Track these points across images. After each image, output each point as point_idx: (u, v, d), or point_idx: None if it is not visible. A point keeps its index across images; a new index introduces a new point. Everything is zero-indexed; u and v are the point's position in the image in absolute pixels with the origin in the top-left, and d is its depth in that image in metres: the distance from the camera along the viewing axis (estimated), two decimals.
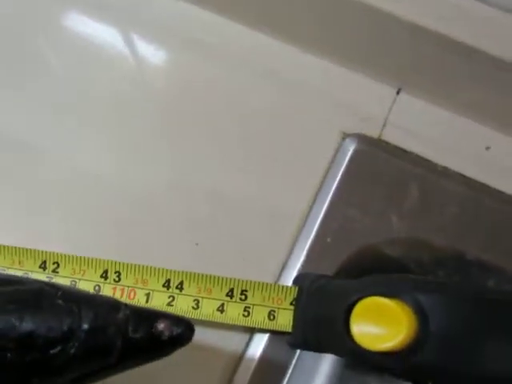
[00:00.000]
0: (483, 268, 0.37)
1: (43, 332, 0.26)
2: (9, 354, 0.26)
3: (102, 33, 0.42)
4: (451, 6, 0.36)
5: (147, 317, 0.28)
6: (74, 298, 0.28)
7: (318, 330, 0.32)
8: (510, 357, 0.28)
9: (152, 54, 0.42)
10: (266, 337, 0.36)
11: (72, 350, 0.26)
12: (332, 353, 0.33)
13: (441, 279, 0.36)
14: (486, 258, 0.37)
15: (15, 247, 0.35)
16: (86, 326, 0.27)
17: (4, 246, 0.35)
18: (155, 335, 0.28)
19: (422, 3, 0.36)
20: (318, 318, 0.32)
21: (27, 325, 0.26)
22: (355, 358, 0.29)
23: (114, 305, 0.28)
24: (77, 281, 0.35)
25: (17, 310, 0.27)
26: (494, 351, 0.28)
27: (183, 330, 0.28)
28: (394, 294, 0.28)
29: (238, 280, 0.35)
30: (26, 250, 0.35)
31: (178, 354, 0.28)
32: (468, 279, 0.37)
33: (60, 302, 0.27)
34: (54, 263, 0.35)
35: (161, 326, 0.28)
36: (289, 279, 0.36)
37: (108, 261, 0.35)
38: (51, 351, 0.26)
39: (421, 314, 0.27)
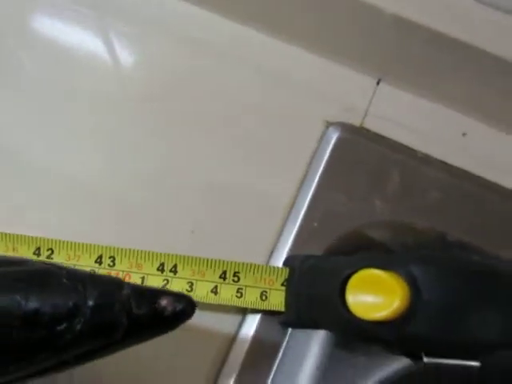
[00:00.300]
0: (464, 249, 0.38)
1: (49, 309, 0.27)
2: (15, 332, 0.26)
3: (87, 31, 0.43)
4: None
5: (149, 294, 0.29)
6: (78, 278, 0.28)
7: (311, 306, 0.33)
8: (494, 325, 0.29)
9: (135, 48, 0.43)
10: (258, 318, 0.37)
11: (78, 327, 0.27)
12: (326, 328, 0.34)
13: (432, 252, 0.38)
14: (467, 240, 0.38)
15: (9, 234, 0.35)
16: (91, 303, 0.27)
17: None
18: (158, 311, 0.28)
19: None
20: (312, 294, 0.33)
21: (33, 303, 0.27)
22: (350, 329, 0.30)
23: (117, 283, 0.29)
24: (71, 266, 0.35)
25: (22, 288, 0.27)
26: (481, 320, 0.29)
27: (185, 306, 0.29)
28: (387, 267, 0.29)
29: (231, 262, 0.36)
30: (21, 236, 0.35)
31: (172, 336, 0.29)
32: None
33: (65, 280, 0.28)
34: (48, 249, 0.36)
35: (163, 302, 0.29)
36: (278, 262, 0.37)
37: (102, 246, 0.36)
38: (57, 328, 0.27)
39: (413, 285, 0.29)
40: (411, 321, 0.28)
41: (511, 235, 0.39)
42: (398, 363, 0.39)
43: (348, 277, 0.30)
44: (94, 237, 0.36)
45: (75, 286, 0.28)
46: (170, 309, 0.29)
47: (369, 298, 0.29)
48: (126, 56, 0.42)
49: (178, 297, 0.29)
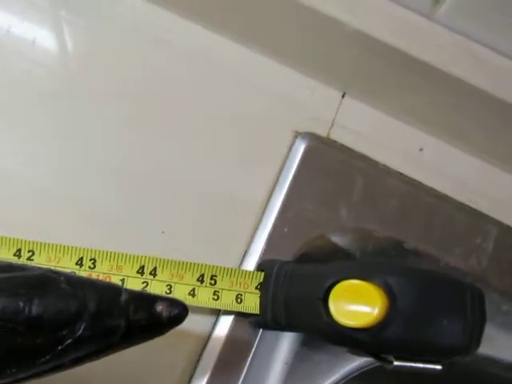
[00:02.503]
0: (419, 256, 0.42)
1: (52, 315, 0.27)
2: (19, 337, 0.27)
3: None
4: (392, 17, 0.40)
5: (146, 299, 0.30)
6: (77, 283, 0.29)
7: (288, 311, 0.35)
8: (456, 331, 0.33)
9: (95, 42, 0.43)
10: (231, 318, 0.39)
11: (79, 332, 0.28)
12: (303, 331, 0.36)
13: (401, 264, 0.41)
14: (422, 248, 0.42)
15: None
16: (92, 309, 0.28)
17: None
18: (155, 316, 0.30)
19: (365, 12, 0.40)
20: (290, 299, 0.35)
21: (36, 308, 0.27)
22: (330, 334, 0.33)
23: (115, 288, 0.30)
24: (51, 268, 0.36)
25: (25, 294, 0.27)
26: (445, 326, 0.32)
27: (179, 311, 0.30)
28: (366, 277, 0.32)
29: (208, 266, 0.37)
30: (0, 237, 0.35)
31: None
32: None
33: (65, 286, 0.29)
34: (29, 251, 0.36)
35: (159, 307, 0.30)
36: (251, 265, 0.39)
37: (83, 248, 0.36)
38: (59, 333, 0.28)
39: (390, 294, 0.31)
40: (387, 326, 0.31)
41: (460, 243, 0.43)
42: (358, 362, 0.42)
43: (331, 285, 0.32)
44: (65, 239, 0.36)
45: (75, 291, 0.28)
46: (165, 314, 0.30)
47: (350, 307, 0.31)
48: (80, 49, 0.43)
49: (173, 302, 0.30)
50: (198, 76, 0.43)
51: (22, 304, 0.27)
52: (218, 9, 0.43)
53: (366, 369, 0.42)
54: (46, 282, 0.29)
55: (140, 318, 0.29)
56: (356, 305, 0.31)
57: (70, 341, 0.28)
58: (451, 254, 0.42)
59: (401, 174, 0.43)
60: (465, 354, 0.33)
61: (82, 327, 0.28)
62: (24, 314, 0.27)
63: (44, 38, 0.42)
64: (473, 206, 0.44)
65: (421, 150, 0.44)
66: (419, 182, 0.43)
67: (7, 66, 0.41)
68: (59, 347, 0.28)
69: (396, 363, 0.33)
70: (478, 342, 0.33)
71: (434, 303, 0.32)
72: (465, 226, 0.43)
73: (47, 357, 0.28)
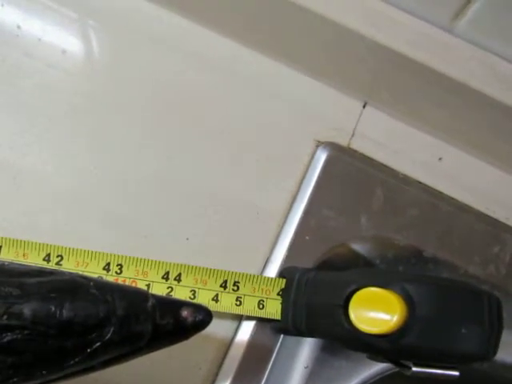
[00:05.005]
0: (438, 264, 0.42)
1: (82, 319, 0.28)
2: (50, 340, 0.28)
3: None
4: (412, 30, 0.41)
5: (172, 305, 0.31)
6: (106, 288, 0.30)
7: (310, 317, 0.36)
8: (473, 339, 0.33)
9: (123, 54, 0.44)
10: (253, 324, 0.39)
11: (108, 336, 0.29)
12: (323, 337, 0.37)
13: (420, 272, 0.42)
14: (441, 256, 0.42)
15: (19, 240, 0.36)
16: (120, 314, 0.29)
17: (8, 239, 0.36)
18: (180, 321, 0.30)
19: (386, 25, 0.41)
20: (311, 306, 0.36)
21: (67, 312, 0.28)
22: (350, 340, 0.33)
23: (143, 294, 0.31)
24: (80, 273, 0.37)
25: (57, 298, 0.28)
26: (462, 333, 0.33)
27: (204, 316, 0.31)
28: (386, 285, 0.32)
29: (231, 272, 0.38)
30: (31, 242, 0.36)
31: None
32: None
33: (94, 291, 0.30)
34: (57, 256, 0.37)
35: (184, 313, 0.31)
36: (272, 272, 0.40)
37: (110, 254, 0.37)
38: (89, 337, 0.28)
39: (409, 302, 0.32)
40: (406, 333, 0.32)
41: (479, 252, 0.43)
42: (377, 368, 0.42)
43: (351, 293, 0.33)
44: (93, 246, 0.37)
45: (104, 296, 0.29)
46: (190, 319, 0.31)
47: (370, 314, 0.32)
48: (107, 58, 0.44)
49: (198, 308, 0.31)
50: (221, 86, 0.44)
51: (53, 308, 0.28)
52: (242, 20, 0.44)
53: (384, 374, 0.43)
54: (76, 286, 0.30)
55: (166, 322, 0.30)
56: (375, 312, 0.32)
57: (98, 344, 0.29)
58: (470, 263, 0.43)
59: (420, 183, 0.44)
60: (482, 361, 0.33)
61: (111, 331, 0.29)
62: (55, 318, 0.28)
63: (74, 47, 0.43)
64: (491, 215, 0.44)
65: (440, 159, 0.45)
66: (438, 191, 0.44)
67: (38, 75, 0.42)
68: (88, 350, 0.29)
69: (414, 369, 0.33)
70: (495, 350, 0.33)
71: (452, 311, 0.33)
72: (483, 235, 0.43)
73: (76, 359, 0.29)
